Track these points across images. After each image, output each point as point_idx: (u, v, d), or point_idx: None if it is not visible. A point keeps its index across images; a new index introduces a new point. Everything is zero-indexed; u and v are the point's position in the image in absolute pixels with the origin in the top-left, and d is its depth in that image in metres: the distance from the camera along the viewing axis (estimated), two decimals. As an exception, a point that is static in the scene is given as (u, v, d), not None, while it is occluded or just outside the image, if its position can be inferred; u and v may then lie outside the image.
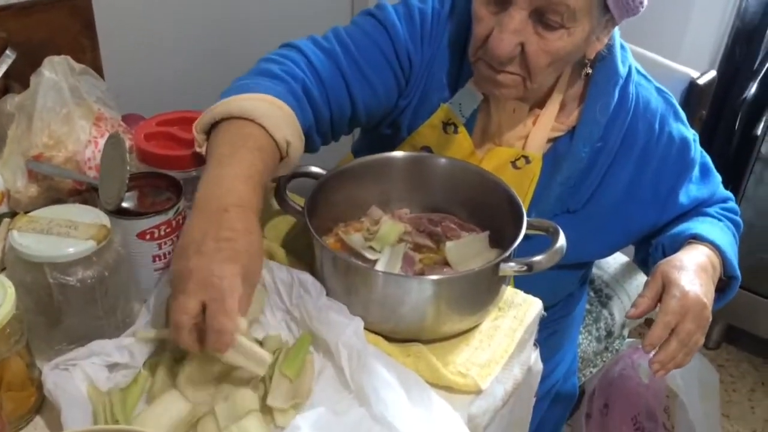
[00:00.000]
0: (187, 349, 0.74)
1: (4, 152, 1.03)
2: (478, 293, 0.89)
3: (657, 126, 1.13)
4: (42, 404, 0.79)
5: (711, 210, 1.19)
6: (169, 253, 0.90)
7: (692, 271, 1.03)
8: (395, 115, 1.14)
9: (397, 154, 1.05)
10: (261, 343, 0.83)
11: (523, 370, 0.91)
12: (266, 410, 0.77)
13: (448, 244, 0.96)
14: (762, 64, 1.92)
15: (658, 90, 1.16)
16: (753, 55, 1.92)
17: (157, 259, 0.90)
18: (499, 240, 0.96)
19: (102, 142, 1.02)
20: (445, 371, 0.84)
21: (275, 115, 0.89)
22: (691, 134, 1.17)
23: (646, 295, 1.03)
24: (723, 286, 1.12)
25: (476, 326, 0.92)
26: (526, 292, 0.98)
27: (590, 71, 1.09)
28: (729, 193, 1.25)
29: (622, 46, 1.11)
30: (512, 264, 0.85)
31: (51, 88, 1.01)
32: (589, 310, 1.50)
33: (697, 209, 1.19)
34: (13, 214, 0.99)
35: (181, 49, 1.69)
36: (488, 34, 0.98)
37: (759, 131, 1.89)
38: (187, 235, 0.76)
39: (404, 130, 1.15)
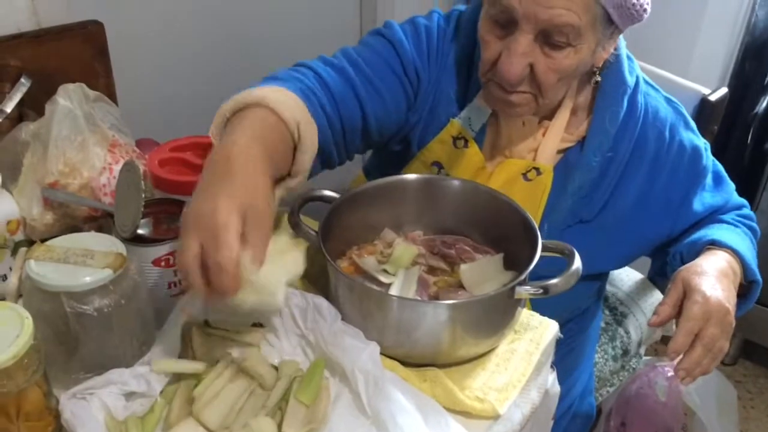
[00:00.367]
0: (198, 291, 0.70)
1: (20, 180, 1.04)
2: (494, 317, 0.88)
3: (667, 135, 1.13)
4: (60, 433, 0.79)
5: (726, 217, 1.19)
6: (185, 279, 0.90)
7: (713, 277, 1.02)
8: (406, 131, 1.15)
9: (410, 176, 1.05)
10: (276, 369, 0.83)
11: (540, 394, 0.91)
12: (283, 437, 0.76)
13: (463, 266, 0.96)
14: (773, 79, 1.92)
15: (667, 100, 1.17)
16: (764, 70, 1.92)
17: (172, 285, 0.90)
18: (514, 261, 0.95)
19: (117, 168, 1.03)
20: (462, 396, 0.83)
21: (282, 99, 0.88)
22: (702, 143, 1.17)
23: (666, 303, 1.02)
24: (744, 291, 1.11)
25: (492, 350, 0.91)
26: (542, 306, 0.97)
27: (599, 79, 1.09)
28: (744, 200, 1.24)
29: (629, 57, 1.12)
30: (528, 287, 0.85)
31: (66, 116, 1.02)
32: (604, 328, 1.49)
33: (713, 216, 1.19)
34: (29, 242, 0.99)
35: (193, 72, 1.70)
36: (496, 58, 1.00)
37: (771, 146, 1.90)
38: (196, 187, 0.76)
39: (414, 146, 1.16)
